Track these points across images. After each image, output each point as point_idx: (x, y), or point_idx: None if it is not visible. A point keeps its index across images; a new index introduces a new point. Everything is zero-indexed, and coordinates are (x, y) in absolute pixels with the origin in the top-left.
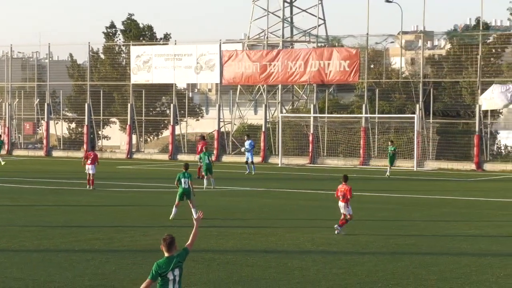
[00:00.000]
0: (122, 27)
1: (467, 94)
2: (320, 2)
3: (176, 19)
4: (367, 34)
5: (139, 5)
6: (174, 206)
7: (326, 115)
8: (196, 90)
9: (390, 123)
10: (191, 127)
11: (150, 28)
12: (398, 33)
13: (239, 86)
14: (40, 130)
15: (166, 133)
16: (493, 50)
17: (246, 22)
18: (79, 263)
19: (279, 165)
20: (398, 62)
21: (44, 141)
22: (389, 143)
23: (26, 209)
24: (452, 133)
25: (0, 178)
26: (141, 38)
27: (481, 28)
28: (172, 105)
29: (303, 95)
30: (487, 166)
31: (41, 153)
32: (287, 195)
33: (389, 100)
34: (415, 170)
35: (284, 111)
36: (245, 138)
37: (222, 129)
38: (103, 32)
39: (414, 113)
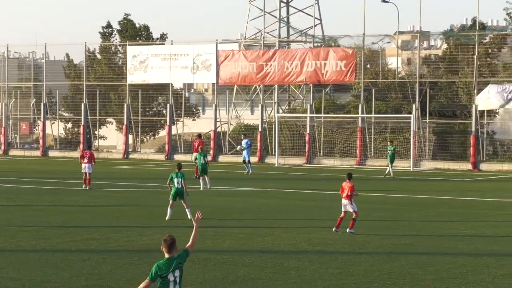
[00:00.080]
0: (118, 27)
1: (463, 94)
2: (316, 2)
3: (172, 19)
4: (364, 34)
5: (136, 5)
6: (169, 207)
7: (322, 115)
8: (192, 90)
9: (387, 123)
10: (188, 127)
11: (146, 28)
12: (395, 33)
13: (235, 86)
14: (36, 130)
15: (163, 133)
16: (490, 50)
17: (242, 22)
18: (76, 263)
19: (276, 165)
20: (394, 62)
21: (41, 141)
22: (389, 143)
23: (22, 209)
24: (449, 133)
25: None
26: (137, 38)
27: (477, 28)
28: (168, 105)
29: (300, 95)
30: (484, 166)
31: (38, 153)
32: (283, 195)
33: (386, 100)
34: (411, 170)
35: (280, 111)
36: (242, 137)
37: (219, 129)
38: (99, 32)
39: (410, 113)
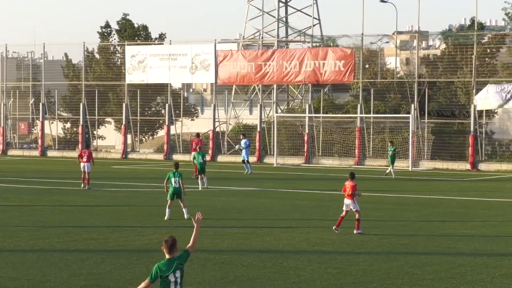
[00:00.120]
0: (117, 27)
1: (462, 94)
2: (315, 2)
3: (171, 19)
4: (362, 34)
5: (134, 5)
6: (167, 207)
7: (321, 115)
8: (191, 90)
9: (385, 123)
10: (186, 127)
11: (145, 28)
12: (393, 33)
13: (234, 86)
14: (35, 130)
15: (161, 133)
16: (488, 50)
17: (241, 22)
18: (74, 263)
19: (274, 165)
20: (393, 62)
21: (39, 141)
22: (389, 143)
23: (21, 209)
24: (447, 133)
25: None
26: (136, 38)
27: (476, 28)
28: (167, 105)
29: (298, 95)
30: (482, 166)
31: (36, 153)
32: (282, 195)
33: (384, 100)
34: (410, 170)
35: (279, 111)
36: (241, 137)
37: (217, 129)
38: (98, 32)
39: (409, 113)
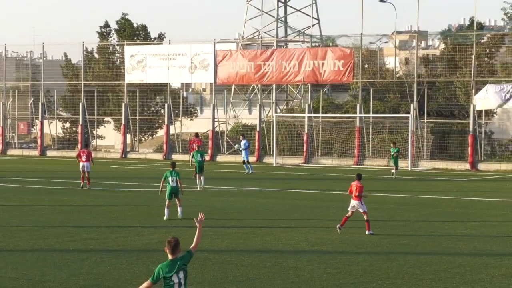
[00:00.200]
0: (116, 27)
1: (461, 94)
2: (314, 1)
3: (170, 19)
4: (361, 34)
5: (133, 5)
6: (166, 207)
7: (320, 115)
8: (190, 90)
9: (385, 123)
10: (186, 126)
11: (144, 27)
12: (392, 33)
13: (233, 86)
14: (34, 129)
15: (161, 132)
16: (487, 50)
17: (240, 22)
18: (74, 263)
19: (274, 165)
20: (392, 62)
21: (39, 141)
22: (392, 144)
23: (21, 209)
24: (447, 133)
25: None
26: (135, 38)
27: (475, 28)
28: (166, 104)
29: (298, 94)
30: (482, 166)
31: (36, 152)
32: (282, 195)
33: (384, 100)
34: (409, 170)
35: (278, 110)
36: (241, 138)
37: (217, 129)
38: (97, 32)
39: (408, 113)
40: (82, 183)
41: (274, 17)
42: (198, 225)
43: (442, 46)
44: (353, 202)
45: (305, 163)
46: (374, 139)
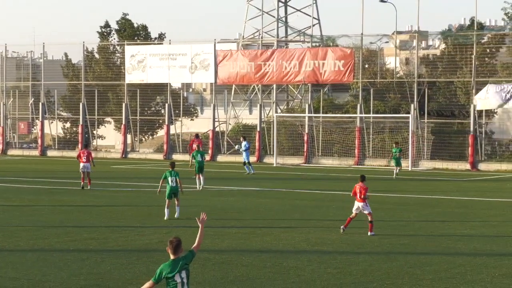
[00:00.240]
0: (116, 27)
1: (461, 94)
2: (314, 1)
3: (170, 19)
4: (362, 34)
5: (134, 5)
6: (166, 207)
7: (321, 115)
8: (190, 90)
9: (385, 123)
10: (186, 126)
11: (144, 27)
12: (393, 33)
13: (233, 86)
14: (34, 129)
15: (161, 132)
16: (488, 50)
17: (240, 22)
18: (74, 263)
19: (274, 165)
20: (392, 62)
21: (39, 141)
22: (394, 144)
23: (21, 209)
24: (447, 133)
25: None
26: (135, 38)
27: (475, 28)
28: (166, 104)
29: (298, 95)
30: (482, 166)
31: (36, 152)
32: (282, 195)
33: (384, 100)
34: (410, 170)
35: (279, 110)
36: (241, 140)
37: (217, 129)
38: (97, 32)
39: (408, 113)
40: (82, 183)
41: (274, 17)
42: (200, 225)
43: (443, 46)
44: (357, 204)
45: (305, 163)
46: (374, 139)
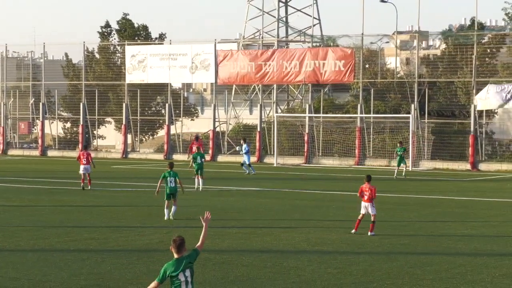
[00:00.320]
0: (117, 27)
1: (462, 94)
2: (315, 2)
3: (171, 19)
4: (362, 34)
5: (134, 5)
6: (165, 207)
7: (321, 115)
8: (191, 90)
9: (385, 123)
10: (186, 126)
11: (145, 27)
12: (393, 33)
13: (234, 86)
14: (35, 129)
15: (161, 132)
16: (488, 50)
17: (241, 22)
18: (75, 263)
19: (275, 165)
20: (393, 62)
21: (39, 141)
22: (398, 144)
23: (21, 209)
24: (447, 133)
25: None
26: (136, 38)
27: (476, 28)
28: (167, 104)
29: (298, 95)
30: (482, 166)
31: (36, 152)
32: (282, 195)
33: (384, 100)
34: (410, 170)
35: (279, 111)
36: (242, 142)
37: (217, 129)
38: (98, 32)
39: (409, 113)
40: (82, 184)
41: (275, 17)
42: (204, 224)
43: (443, 46)
44: (365, 204)
45: (306, 163)
46: (375, 139)
